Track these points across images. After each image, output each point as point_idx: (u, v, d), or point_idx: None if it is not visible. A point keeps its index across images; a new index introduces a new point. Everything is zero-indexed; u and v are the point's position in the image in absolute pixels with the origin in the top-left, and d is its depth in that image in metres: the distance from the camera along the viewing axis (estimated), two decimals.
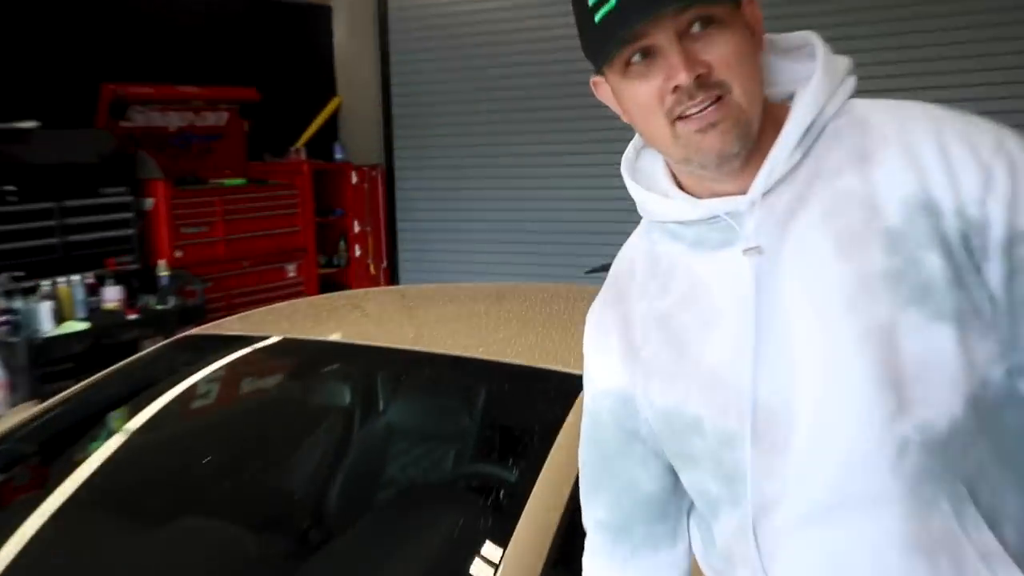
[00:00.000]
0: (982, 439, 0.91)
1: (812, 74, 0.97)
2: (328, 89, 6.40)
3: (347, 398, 2.46)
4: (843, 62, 0.99)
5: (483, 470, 2.14)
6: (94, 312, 4.53)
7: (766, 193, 0.95)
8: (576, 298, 2.65)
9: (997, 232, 0.89)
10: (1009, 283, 0.90)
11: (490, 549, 1.62)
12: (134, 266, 4.83)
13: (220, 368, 2.41)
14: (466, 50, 5.91)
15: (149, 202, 4.91)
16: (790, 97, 0.99)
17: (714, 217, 0.96)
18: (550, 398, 1.80)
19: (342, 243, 6.04)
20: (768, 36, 1.03)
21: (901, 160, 0.92)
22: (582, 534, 1.23)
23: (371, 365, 2.42)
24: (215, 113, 5.40)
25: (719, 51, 0.90)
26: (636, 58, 0.91)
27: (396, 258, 6.37)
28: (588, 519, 1.20)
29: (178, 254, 4.98)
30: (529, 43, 5.68)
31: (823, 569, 0.95)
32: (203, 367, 2.40)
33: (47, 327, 4.28)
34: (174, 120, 5.20)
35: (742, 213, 0.95)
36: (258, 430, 2.43)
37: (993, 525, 0.92)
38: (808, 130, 0.95)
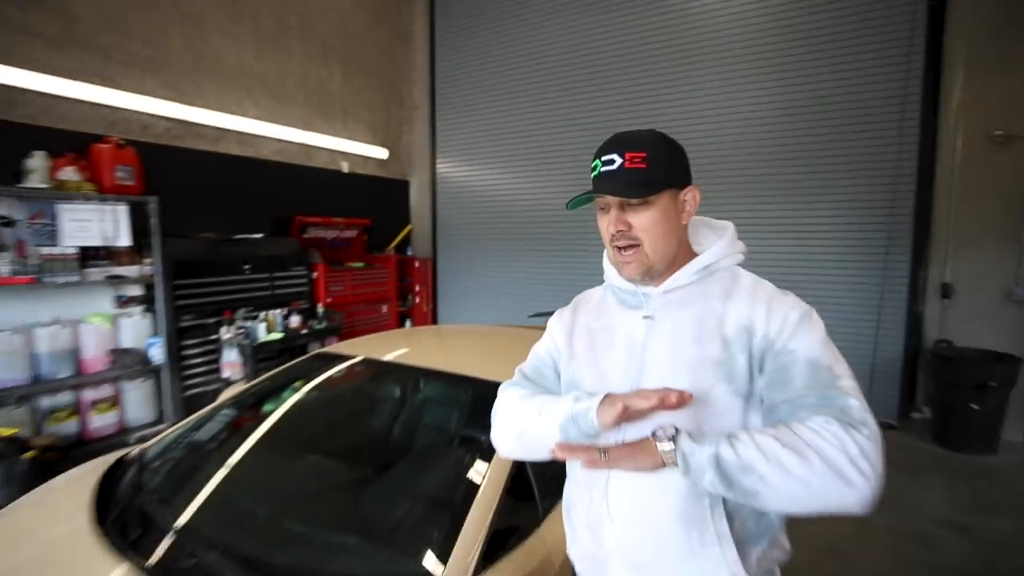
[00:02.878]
0: None
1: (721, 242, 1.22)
2: (406, 220, 7.87)
3: (398, 392, 2.71)
4: (740, 245, 1.24)
5: (468, 433, 2.38)
6: (285, 329, 5.34)
7: (668, 291, 1.19)
8: (519, 338, 2.91)
9: (770, 353, 1.12)
10: (766, 379, 1.13)
11: (474, 473, 1.96)
12: (306, 306, 5.71)
13: (331, 374, 2.66)
14: (482, 206, 7.31)
15: (315, 274, 5.86)
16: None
17: (635, 293, 1.24)
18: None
19: (410, 296, 7.30)
20: (706, 218, 1.29)
21: (745, 303, 1.18)
22: (527, 469, 1.62)
23: (409, 376, 2.73)
24: (350, 230, 6.55)
25: (638, 220, 1.12)
26: (602, 205, 1.17)
27: (437, 304, 7.78)
28: (519, 369, 1.53)
29: (328, 300, 5.93)
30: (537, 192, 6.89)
31: (633, 504, 1.18)
32: (322, 372, 2.70)
33: (262, 336, 5.10)
34: (329, 233, 6.31)
35: (651, 296, 1.21)
36: (350, 407, 2.62)
37: (731, 519, 1.14)
38: (705, 268, 1.19)
